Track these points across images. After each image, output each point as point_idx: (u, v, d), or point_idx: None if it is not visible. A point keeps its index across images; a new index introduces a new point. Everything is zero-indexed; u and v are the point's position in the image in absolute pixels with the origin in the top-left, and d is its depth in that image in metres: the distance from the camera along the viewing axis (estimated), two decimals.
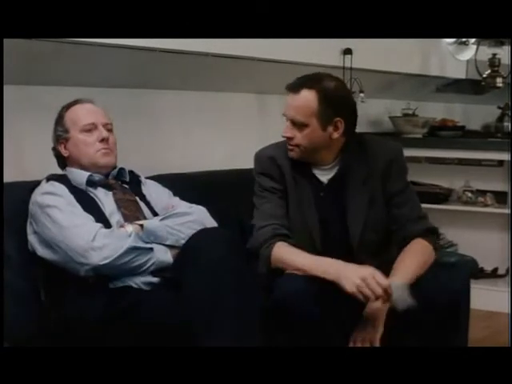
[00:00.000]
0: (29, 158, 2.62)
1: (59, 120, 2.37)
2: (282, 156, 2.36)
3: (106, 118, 2.39)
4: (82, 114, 2.35)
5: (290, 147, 2.32)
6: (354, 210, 2.31)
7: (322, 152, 2.32)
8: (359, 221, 2.31)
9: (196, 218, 2.31)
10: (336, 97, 2.26)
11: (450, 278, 2.23)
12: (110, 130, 2.38)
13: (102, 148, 2.33)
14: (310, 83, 2.26)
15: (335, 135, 2.28)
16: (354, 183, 2.32)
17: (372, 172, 2.33)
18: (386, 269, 2.18)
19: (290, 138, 2.30)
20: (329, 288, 2.08)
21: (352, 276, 2.07)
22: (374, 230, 2.32)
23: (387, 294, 2.08)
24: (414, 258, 2.24)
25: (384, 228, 2.35)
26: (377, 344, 2.17)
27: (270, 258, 2.24)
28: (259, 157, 2.41)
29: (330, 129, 2.27)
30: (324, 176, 2.35)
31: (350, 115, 2.31)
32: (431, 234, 2.34)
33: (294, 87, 2.27)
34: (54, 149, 2.40)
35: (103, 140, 2.33)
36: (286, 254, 2.23)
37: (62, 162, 2.40)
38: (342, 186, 2.33)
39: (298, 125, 2.27)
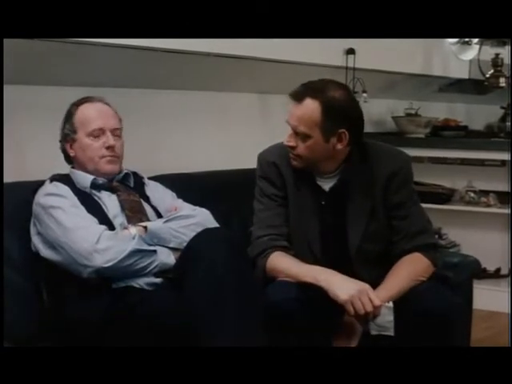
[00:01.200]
0: (29, 158, 2.62)
1: (68, 117, 2.34)
2: (284, 162, 2.31)
3: (116, 120, 2.36)
4: (92, 117, 2.31)
5: (292, 156, 2.27)
6: (354, 219, 2.28)
7: (324, 162, 2.27)
8: (358, 231, 2.27)
9: (199, 220, 2.30)
10: (341, 108, 2.18)
11: (442, 293, 2.19)
12: (118, 136, 2.34)
13: (108, 155, 2.31)
14: (313, 92, 2.17)
15: (339, 146, 2.22)
16: (356, 193, 2.28)
17: (374, 183, 2.28)
18: None
19: (292, 147, 2.25)
20: (319, 295, 2.08)
21: (348, 287, 2.08)
22: (374, 241, 2.28)
23: (374, 314, 2.09)
24: (404, 271, 2.21)
25: (385, 239, 2.30)
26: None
27: (265, 267, 2.24)
28: (262, 160, 2.38)
29: (334, 140, 2.20)
30: (326, 184, 2.31)
31: (356, 126, 2.24)
32: (430, 249, 2.28)
33: (298, 96, 2.19)
34: (61, 144, 2.37)
35: (109, 147, 2.31)
36: (280, 263, 2.23)
37: (69, 158, 2.38)
38: (344, 195, 2.29)
39: (301, 135, 2.21)
